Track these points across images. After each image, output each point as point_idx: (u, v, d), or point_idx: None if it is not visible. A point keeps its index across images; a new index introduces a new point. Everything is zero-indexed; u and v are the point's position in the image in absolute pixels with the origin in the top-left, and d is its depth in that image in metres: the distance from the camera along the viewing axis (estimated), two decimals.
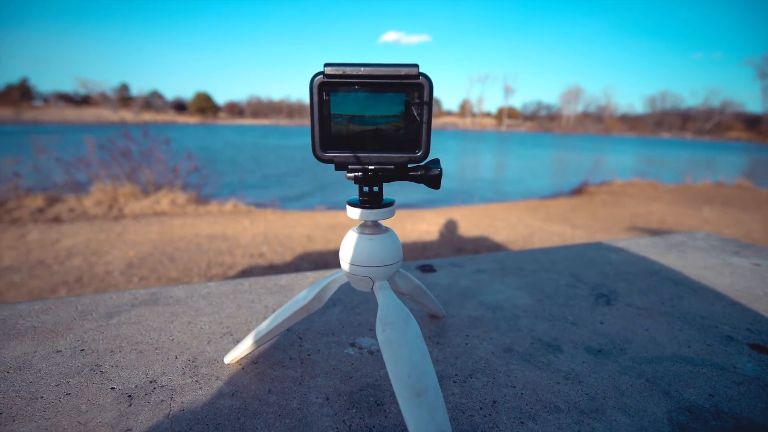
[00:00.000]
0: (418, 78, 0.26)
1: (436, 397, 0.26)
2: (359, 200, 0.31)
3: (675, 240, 0.85)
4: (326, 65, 0.26)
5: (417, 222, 3.50)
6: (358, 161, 0.28)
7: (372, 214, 0.30)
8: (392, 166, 0.29)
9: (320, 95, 0.27)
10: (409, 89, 0.27)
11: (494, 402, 0.33)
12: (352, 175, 0.29)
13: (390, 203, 0.31)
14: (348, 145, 0.28)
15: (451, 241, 3.01)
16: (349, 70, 0.26)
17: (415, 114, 0.28)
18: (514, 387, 0.35)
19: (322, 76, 0.26)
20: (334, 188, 6.07)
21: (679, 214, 4.50)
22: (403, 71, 0.26)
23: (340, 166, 0.29)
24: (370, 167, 0.29)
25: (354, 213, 0.31)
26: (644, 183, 7.08)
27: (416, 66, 0.26)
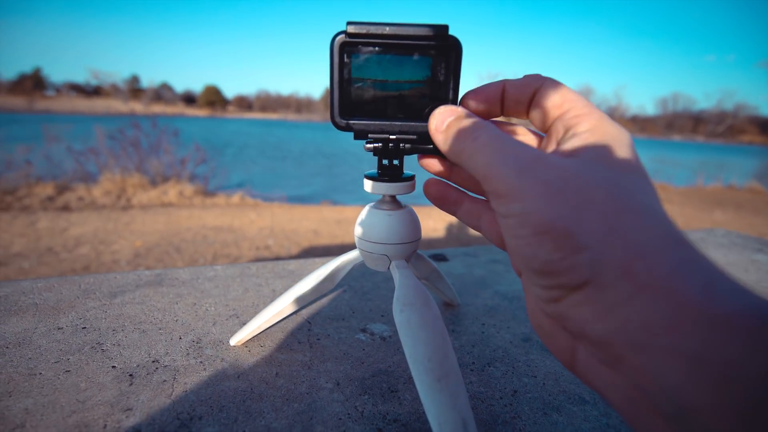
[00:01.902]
0: (448, 39, 0.24)
1: (457, 382, 0.24)
2: (378, 173, 0.29)
3: (695, 237, 0.82)
4: (349, 23, 0.24)
5: (423, 218, 3.48)
6: (379, 130, 0.26)
7: (391, 188, 0.28)
8: (415, 137, 0.27)
9: (341, 57, 0.25)
10: (437, 52, 0.25)
11: (515, 392, 0.31)
12: (371, 146, 0.27)
13: (410, 177, 0.29)
14: (369, 112, 0.26)
15: (457, 238, 2.99)
16: (373, 29, 0.24)
17: (442, 80, 0.26)
18: (535, 377, 0.33)
19: (344, 35, 0.24)
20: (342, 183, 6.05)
21: (690, 217, 4.42)
22: (432, 31, 0.24)
23: (360, 134, 0.27)
24: (391, 137, 0.27)
25: (372, 187, 0.29)
26: (654, 185, 6.98)
27: (446, 26, 0.24)
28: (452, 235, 3.04)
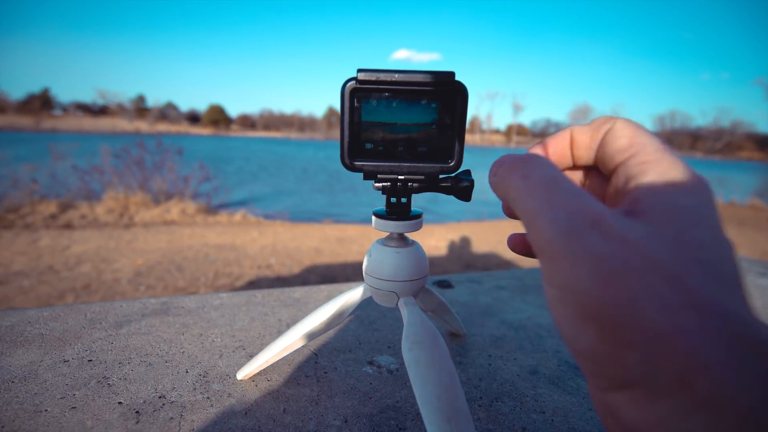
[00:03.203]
0: (454, 85, 0.25)
1: (467, 423, 0.24)
2: (386, 211, 0.29)
3: None
4: (359, 71, 0.25)
5: (425, 237, 3.48)
6: (388, 170, 0.27)
7: (400, 226, 0.29)
8: (422, 177, 0.27)
9: (351, 101, 0.26)
10: (443, 97, 0.26)
11: (523, 429, 0.31)
12: (380, 185, 0.28)
13: (418, 215, 0.29)
14: (378, 154, 0.27)
15: (459, 257, 2.98)
16: (382, 76, 0.25)
17: (449, 123, 0.26)
18: (544, 413, 0.33)
19: (354, 81, 0.25)
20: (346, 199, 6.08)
21: None
22: (439, 78, 0.25)
23: (369, 175, 0.27)
24: (399, 177, 0.27)
25: (381, 225, 0.29)
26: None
27: (452, 73, 0.25)
28: (454, 254, 3.03)
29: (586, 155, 0.19)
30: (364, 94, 0.25)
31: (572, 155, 0.20)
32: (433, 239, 3.41)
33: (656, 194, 0.15)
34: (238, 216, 4.22)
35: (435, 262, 2.82)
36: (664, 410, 0.12)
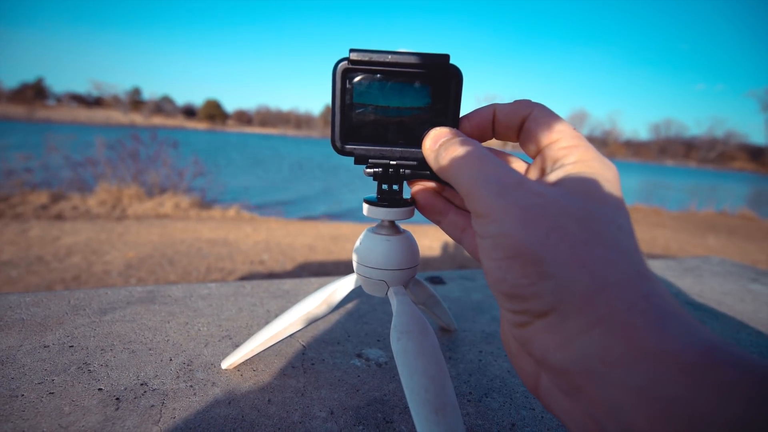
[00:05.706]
0: (449, 68, 0.25)
1: (455, 414, 0.23)
2: (377, 198, 0.29)
3: (690, 264, 0.82)
4: (352, 51, 0.24)
5: (419, 237, 3.47)
6: (379, 155, 0.27)
7: (390, 213, 0.28)
8: (415, 162, 0.27)
9: (343, 82, 0.25)
10: (437, 80, 0.25)
11: (513, 425, 0.31)
12: (372, 170, 0.27)
13: (410, 202, 0.29)
14: (369, 137, 0.26)
15: (453, 257, 2.98)
16: (375, 57, 0.24)
17: (443, 107, 0.26)
18: (534, 410, 0.33)
19: (346, 62, 0.24)
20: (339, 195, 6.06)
21: (684, 242, 4.45)
22: (433, 60, 0.24)
23: (360, 159, 0.27)
24: (391, 162, 0.27)
25: (371, 212, 0.28)
26: (648, 209, 7.05)
27: (447, 56, 0.24)
28: (448, 255, 3.03)
29: (506, 134, 0.23)
30: (356, 74, 0.25)
31: (493, 130, 0.23)
32: (427, 239, 3.41)
33: (572, 170, 0.18)
34: (231, 211, 4.19)
35: (428, 263, 2.82)
36: (570, 329, 0.14)
